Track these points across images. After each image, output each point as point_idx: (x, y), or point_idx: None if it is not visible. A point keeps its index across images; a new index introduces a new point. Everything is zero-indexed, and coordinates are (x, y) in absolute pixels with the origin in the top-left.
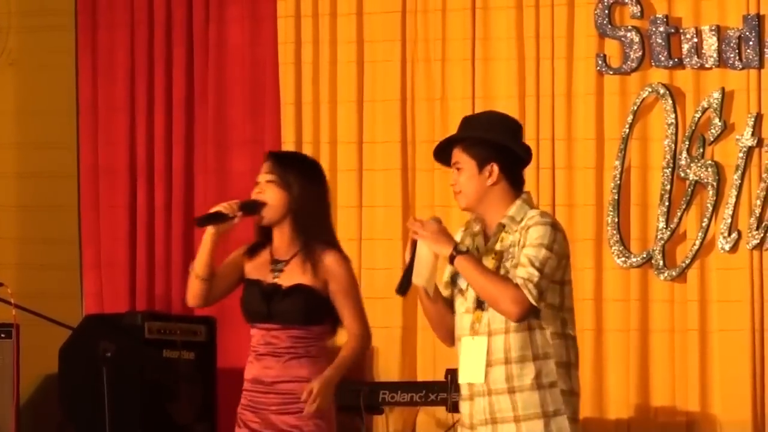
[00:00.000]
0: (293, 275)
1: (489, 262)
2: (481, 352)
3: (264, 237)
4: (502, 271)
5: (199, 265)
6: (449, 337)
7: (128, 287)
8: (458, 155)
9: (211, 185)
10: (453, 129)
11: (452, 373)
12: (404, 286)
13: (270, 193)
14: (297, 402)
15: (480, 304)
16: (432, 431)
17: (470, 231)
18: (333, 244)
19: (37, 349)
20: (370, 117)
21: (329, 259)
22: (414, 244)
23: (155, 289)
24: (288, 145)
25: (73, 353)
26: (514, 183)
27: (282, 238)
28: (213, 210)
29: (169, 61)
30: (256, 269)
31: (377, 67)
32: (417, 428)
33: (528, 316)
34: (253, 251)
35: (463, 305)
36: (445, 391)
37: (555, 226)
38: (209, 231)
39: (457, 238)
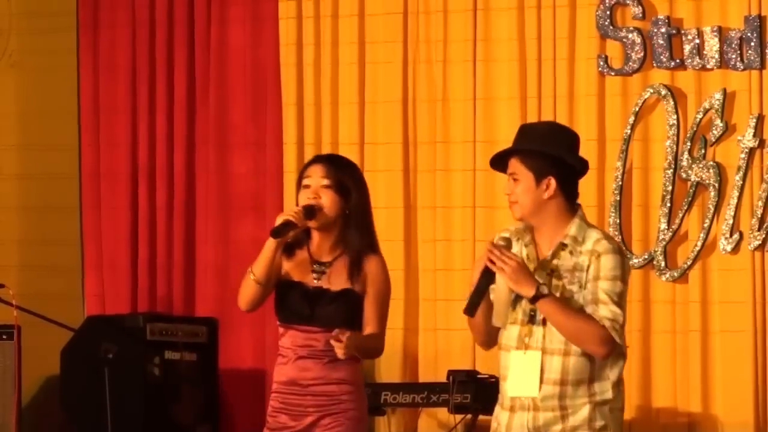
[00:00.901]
0: (338, 279)
1: (543, 276)
2: (535, 367)
3: (303, 235)
4: (557, 294)
5: (260, 270)
6: (488, 342)
7: (130, 288)
8: (515, 166)
9: (212, 186)
10: (455, 130)
11: (454, 375)
12: (472, 308)
13: (327, 199)
14: (335, 404)
15: (531, 318)
16: None
17: (521, 239)
18: (376, 249)
19: (39, 350)
20: (372, 118)
21: (373, 265)
22: (486, 269)
23: (157, 290)
24: (289, 146)
25: (74, 354)
26: (570, 196)
27: (325, 241)
28: (282, 219)
29: (171, 62)
30: (295, 270)
31: (379, 69)
32: (419, 430)
33: (612, 353)
34: (290, 250)
35: (512, 316)
36: (446, 392)
37: (622, 252)
38: (273, 240)
39: (506, 235)
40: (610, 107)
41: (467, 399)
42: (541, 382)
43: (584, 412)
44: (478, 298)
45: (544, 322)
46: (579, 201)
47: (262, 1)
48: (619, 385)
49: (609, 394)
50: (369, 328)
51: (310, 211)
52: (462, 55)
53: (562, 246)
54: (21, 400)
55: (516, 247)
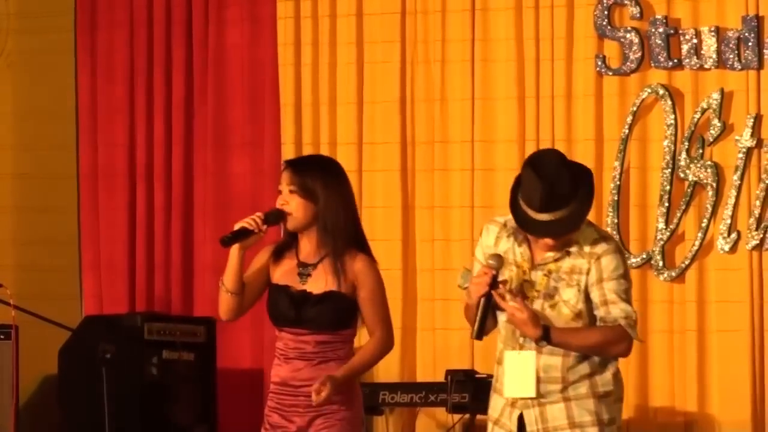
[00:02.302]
0: (322, 281)
1: (539, 278)
2: (530, 367)
3: (290, 239)
4: (555, 296)
5: (229, 281)
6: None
7: (128, 288)
8: (553, 240)
9: (210, 186)
10: (452, 130)
11: (452, 374)
12: (480, 333)
13: (294, 204)
14: (326, 404)
15: None
16: None
17: (515, 238)
18: (362, 246)
19: (37, 350)
20: (370, 118)
21: (359, 264)
22: (488, 297)
23: (155, 290)
24: (287, 147)
25: (72, 354)
26: None
27: (309, 243)
28: (237, 227)
29: (169, 62)
30: (282, 274)
31: (377, 69)
32: (416, 429)
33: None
34: (278, 253)
35: (505, 314)
36: (444, 392)
37: (620, 250)
38: (235, 247)
39: (491, 235)
40: (608, 107)
41: (465, 399)
42: (542, 382)
43: (590, 403)
44: (485, 322)
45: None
46: None
47: (259, 2)
48: (617, 374)
49: (610, 386)
50: (376, 333)
51: (276, 217)
52: (460, 55)
53: (567, 253)
54: (18, 399)
55: (507, 244)
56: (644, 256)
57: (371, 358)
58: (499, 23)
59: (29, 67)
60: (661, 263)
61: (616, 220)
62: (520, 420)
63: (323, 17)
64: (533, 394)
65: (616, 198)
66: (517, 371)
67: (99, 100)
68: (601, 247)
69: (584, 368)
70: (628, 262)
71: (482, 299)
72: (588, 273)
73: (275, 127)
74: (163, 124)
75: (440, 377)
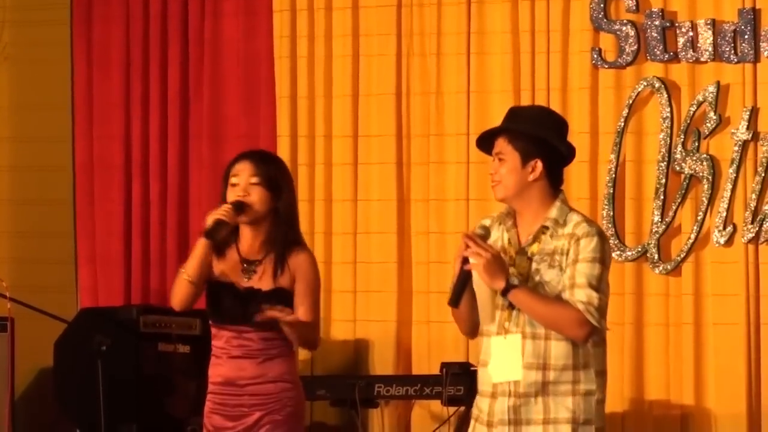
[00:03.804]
0: (268, 277)
1: (523, 261)
2: (516, 351)
3: (233, 236)
4: (536, 278)
5: (193, 270)
6: (473, 331)
7: (123, 281)
8: (502, 145)
9: (206, 179)
10: (448, 123)
11: (447, 367)
12: (456, 299)
13: (256, 195)
14: (273, 402)
15: (511, 303)
16: (427, 425)
17: (504, 224)
18: (302, 242)
19: (33, 342)
20: (366, 111)
21: (301, 259)
22: (464, 259)
23: (150, 282)
24: (283, 139)
25: (68, 347)
26: (554, 181)
27: (255, 238)
28: (214, 219)
29: (165, 55)
30: (224, 270)
31: (372, 61)
32: (412, 422)
33: (592, 336)
34: (219, 250)
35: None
36: (440, 384)
37: (602, 236)
38: (204, 238)
39: (484, 227)
40: (604, 100)
41: (460, 391)
42: (524, 368)
43: (568, 401)
44: (462, 288)
45: None
46: (563, 188)
47: None
48: (602, 375)
49: (593, 384)
50: (300, 317)
51: (240, 208)
52: (456, 47)
53: (543, 229)
54: (14, 392)
55: (497, 233)
56: (640, 249)
57: (306, 329)
58: (494, 16)
59: (25, 60)
60: (656, 256)
61: (611, 213)
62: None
63: (319, 10)
64: (519, 377)
65: (611, 191)
66: (504, 356)
67: (95, 92)
68: (582, 228)
69: (566, 357)
70: (624, 254)
71: (462, 263)
72: (567, 254)
73: (271, 120)
74: (159, 117)
75: (435, 370)
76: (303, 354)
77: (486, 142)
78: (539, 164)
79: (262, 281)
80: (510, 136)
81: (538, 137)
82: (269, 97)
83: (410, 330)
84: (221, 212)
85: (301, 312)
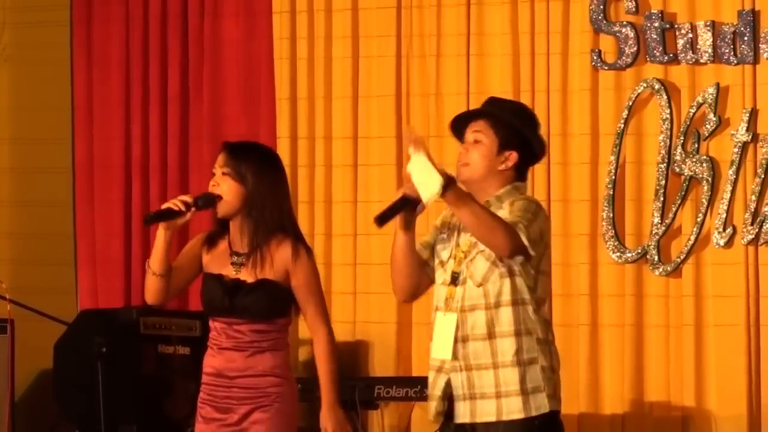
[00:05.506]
0: (255, 269)
1: (466, 237)
2: (450, 329)
3: (222, 227)
4: (473, 251)
5: (154, 262)
6: (403, 290)
7: (123, 282)
8: (483, 127)
9: (206, 180)
10: (448, 125)
11: None
12: (382, 217)
13: (225, 186)
14: (262, 397)
15: (454, 279)
16: (427, 426)
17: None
18: (290, 234)
19: (32, 344)
20: (365, 112)
21: (286, 251)
22: (405, 197)
23: None
24: (283, 141)
25: (68, 348)
26: (521, 177)
27: (239, 231)
28: (163, 207)
29: (164, 56)
30: (215, 262)
31: (372, 63)
32: (412, 423)
33: (518, 254)
34: (211, 242)
35: (441, 276)
36: None
37: (540, 206)
38: (161, 229)
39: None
40: (604, 102)
41: None
42: (472, 340)
43: (515, 372)
44: (394, 210)
45: (464, 282)
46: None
47: None
48: (545, 344)
49: (534, 352)
50: (318, 332)
51: (206, 200)
52: (455, 49)
53: (486, 204)
54: (14, 393)
55: (447, 211)
56: (640, 251)
57: (332, 363)
58: (494, 18)
59: (25, 61)
60: (656, 258)
61: (611, 215)
62: (447, 384)
63: (319, 11)
64: (449, 357)
65: (611, 192)
66: (441, 332)
67: (95, 93)
68: (520, 198)
69: (508, 323)
70: (624, 256)
71: (403, 194)
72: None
73: (271, 121)
74: (159, 118)
75: None
76: (303, 355)
77: (462, 124)
78: (514, 156)
79: (249, 273)
80: (493, 120)
81: (519, 129)
82: (269, 98)
83: (410, 332)
84: (174, 201)
85: (310, 312)
